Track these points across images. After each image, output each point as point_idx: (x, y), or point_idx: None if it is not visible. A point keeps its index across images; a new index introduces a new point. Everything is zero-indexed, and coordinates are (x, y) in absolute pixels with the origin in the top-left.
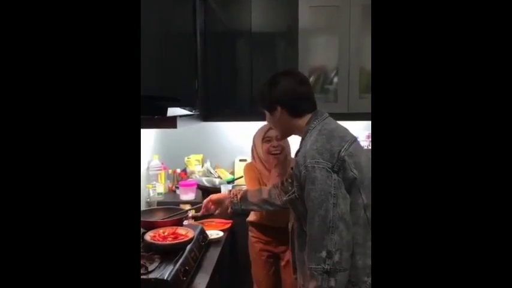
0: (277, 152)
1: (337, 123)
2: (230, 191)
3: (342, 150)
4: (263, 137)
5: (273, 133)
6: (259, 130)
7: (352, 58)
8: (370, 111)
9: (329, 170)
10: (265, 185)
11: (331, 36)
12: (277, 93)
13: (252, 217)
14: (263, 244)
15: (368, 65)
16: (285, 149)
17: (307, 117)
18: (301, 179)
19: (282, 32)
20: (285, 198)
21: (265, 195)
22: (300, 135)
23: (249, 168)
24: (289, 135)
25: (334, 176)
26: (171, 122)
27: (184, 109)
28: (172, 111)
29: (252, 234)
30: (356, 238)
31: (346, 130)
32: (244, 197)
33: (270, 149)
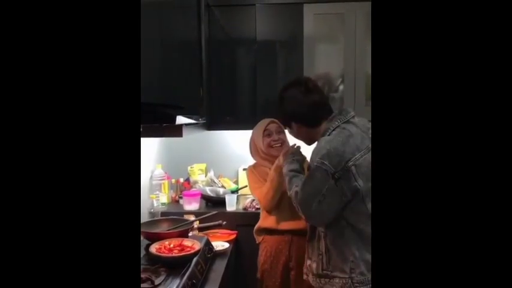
0: (278, 145)
1: (361, 128)
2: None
3: (352, 159)
4: (263, 131)
5: (272, 127)
6: (258, 125)
7: (358, 65)
8: None
9: (329, 174)
10: None
11: (336, 43)
12: (286, 111)
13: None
14: (280, 253)
15: None
16: (285, 142)
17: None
18: (310, 168)
19: (287, 40)
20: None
21: None
22: None
23: (251, 171)
24: (314, 142)
25: (332, 182)
26: (177, 131)
27: (189, 118)
28: (177, 120)
29: (265, 246)
30: (357, 249)
31: (365, 137)
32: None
33: (270, 143)
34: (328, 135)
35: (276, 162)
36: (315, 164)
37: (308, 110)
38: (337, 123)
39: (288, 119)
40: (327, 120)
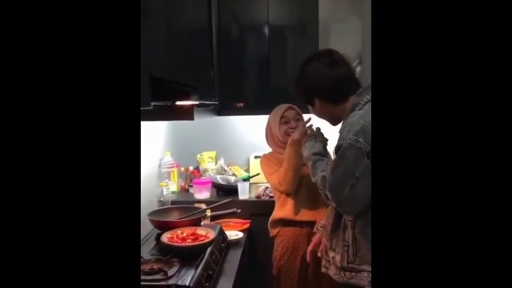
0: None
1: None
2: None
3: None
4: (280, 118)
5: (290, 113)
6: (274, 111)
7: None
8: None
9: (364, 153)
10: None
11: (353, 24)
12: (308, 85)
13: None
14: (297, 246)
15: None
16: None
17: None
18: (340, 147)
19: (300, 24)
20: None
21: None
22: None
23: (267, 159)
24: (340, 121)
25: (367, 161)
26: (189, 113)
27: (202, 102)
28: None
29: (281, 240)
30: None
31: None
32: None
33: (288, 130)
34: (359, 109)
35: (291, 137)
36: (348, 142)
37: (334, 83)
38: (368, 96)
39: (310, 95)
40: (354, 94)
